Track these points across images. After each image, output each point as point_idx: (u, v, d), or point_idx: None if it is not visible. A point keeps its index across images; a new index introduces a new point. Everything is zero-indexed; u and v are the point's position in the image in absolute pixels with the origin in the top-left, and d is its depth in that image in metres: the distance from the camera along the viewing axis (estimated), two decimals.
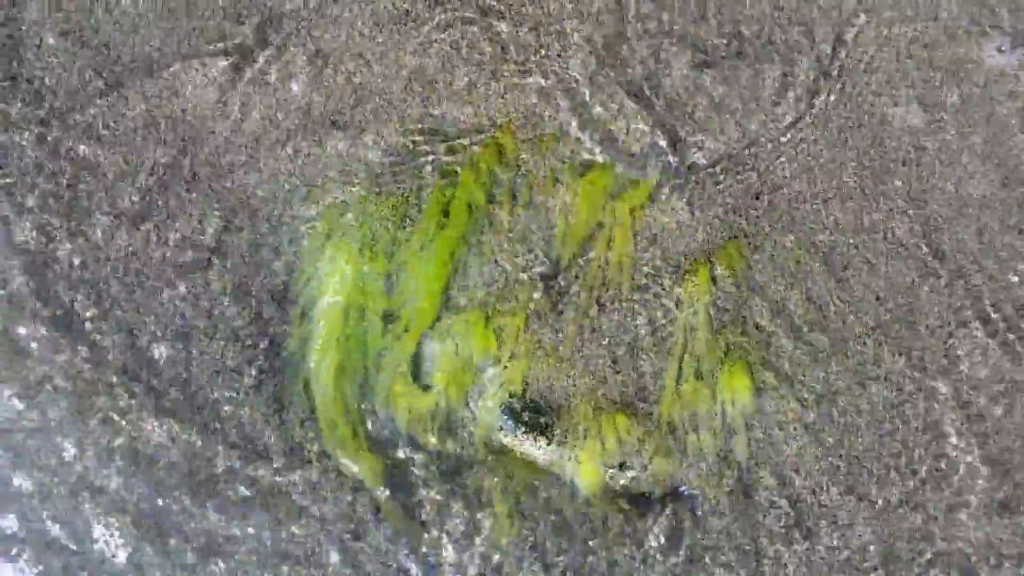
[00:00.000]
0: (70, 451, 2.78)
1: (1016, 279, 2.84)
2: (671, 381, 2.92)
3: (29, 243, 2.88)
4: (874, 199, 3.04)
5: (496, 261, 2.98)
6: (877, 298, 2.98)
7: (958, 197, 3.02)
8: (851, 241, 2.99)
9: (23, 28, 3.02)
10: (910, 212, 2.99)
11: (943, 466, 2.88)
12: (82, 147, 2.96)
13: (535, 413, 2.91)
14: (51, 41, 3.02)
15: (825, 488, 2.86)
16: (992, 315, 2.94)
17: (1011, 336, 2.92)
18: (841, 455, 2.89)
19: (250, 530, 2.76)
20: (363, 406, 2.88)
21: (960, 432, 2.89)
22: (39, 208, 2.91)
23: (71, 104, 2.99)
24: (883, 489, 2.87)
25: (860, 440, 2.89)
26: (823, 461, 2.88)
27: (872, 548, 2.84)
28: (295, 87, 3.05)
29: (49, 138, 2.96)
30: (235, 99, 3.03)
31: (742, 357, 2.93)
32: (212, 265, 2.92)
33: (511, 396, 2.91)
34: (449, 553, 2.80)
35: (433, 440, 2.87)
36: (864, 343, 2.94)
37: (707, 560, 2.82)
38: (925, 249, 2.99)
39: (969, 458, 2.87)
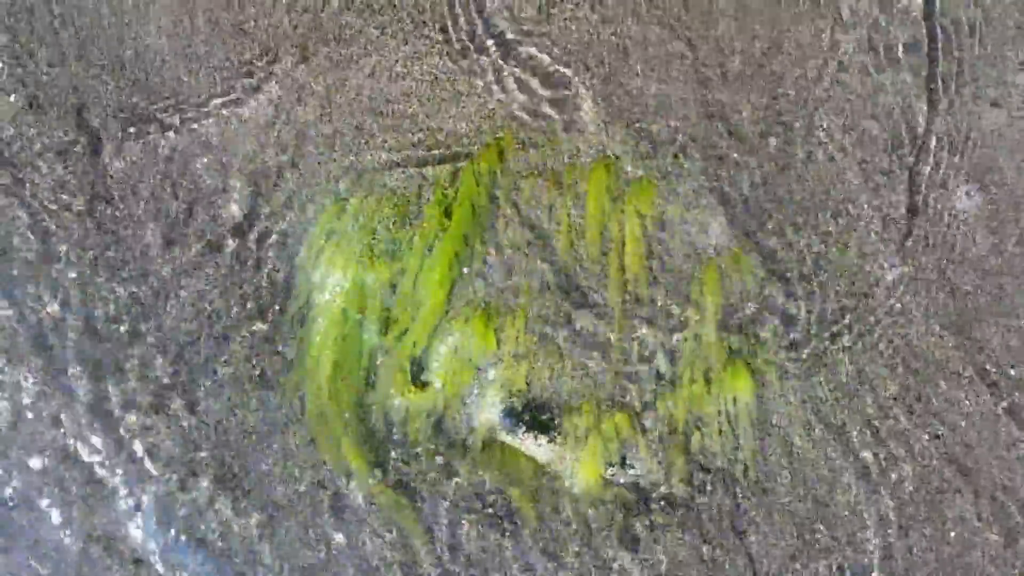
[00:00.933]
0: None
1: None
2: (676, 381, 2.93)
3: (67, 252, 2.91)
4: None
5: (498, 261, 2.99)
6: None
7: None
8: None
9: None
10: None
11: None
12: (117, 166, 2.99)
13: (536, 412, 2.92)
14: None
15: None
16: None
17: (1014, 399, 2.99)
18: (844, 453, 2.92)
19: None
20: (361, 405, 2.89)
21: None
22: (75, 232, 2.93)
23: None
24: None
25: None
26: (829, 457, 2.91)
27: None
28: (303, 103, 3.06)
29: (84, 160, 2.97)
30: (244, 116, 3.04)
31: (748, 359, 2.94)
32: (213, 265, 2.94)
33: (511, 395, 2.92)
34: (450, 552, 2.82)
35: (432, 439, 2.88)
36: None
37: (715, 553, 2.85)
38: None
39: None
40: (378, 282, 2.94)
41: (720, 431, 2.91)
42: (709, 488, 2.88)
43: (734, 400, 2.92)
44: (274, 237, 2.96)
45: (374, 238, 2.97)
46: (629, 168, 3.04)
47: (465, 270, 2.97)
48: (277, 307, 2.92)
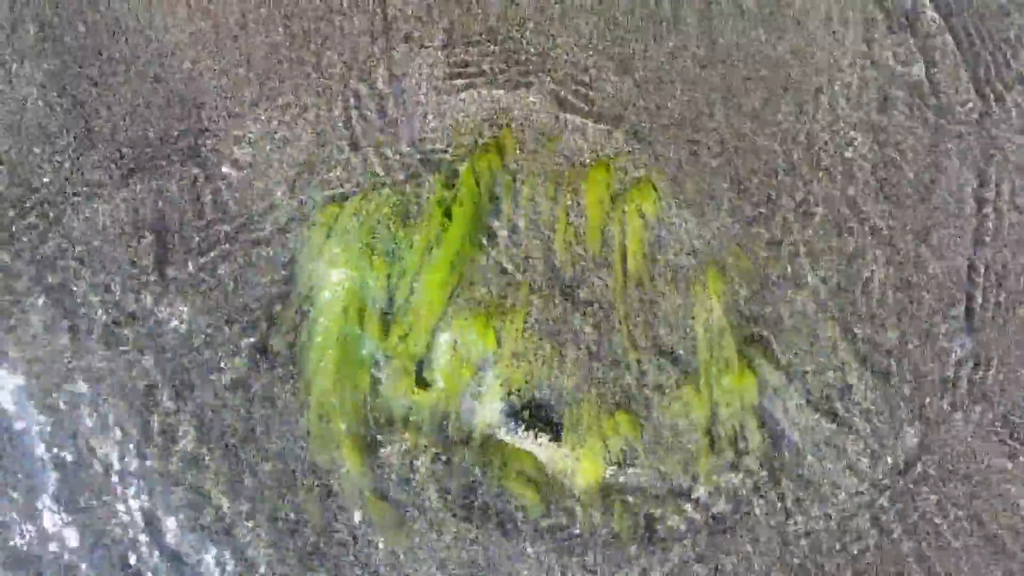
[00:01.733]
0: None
1: None
2: (678, 380, 2.95)
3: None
4: None
5: (498, 260, 2.99)
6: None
7: None
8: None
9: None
10: None
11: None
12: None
13: (536, 411, 2.93)
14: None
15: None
16: None
17: None
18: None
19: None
20: (364, 405, 2.89)
21: None
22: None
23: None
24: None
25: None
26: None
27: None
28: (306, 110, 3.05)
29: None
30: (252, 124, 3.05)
31: (751, 358, 2.96)
32: (215, 266, 2.93)
33: (511, 394, 2.92)
34: (451, 552, 2.83)
35: (433, 438, 2.88)
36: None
37: (717, 552, 2.87)
38: None
39: None
40: (378, 282, 2.94)
41: (723, 430, 2.92)
42: (711, 488, 2.90)
43: (738, 398, 2.94)
44: (274, 238, 2.96)
45: (374, 237, 2.96)
46: (629, 168, 3.05)
47: (466, 269, 2.97)
48: (277, 308, 2.92)
